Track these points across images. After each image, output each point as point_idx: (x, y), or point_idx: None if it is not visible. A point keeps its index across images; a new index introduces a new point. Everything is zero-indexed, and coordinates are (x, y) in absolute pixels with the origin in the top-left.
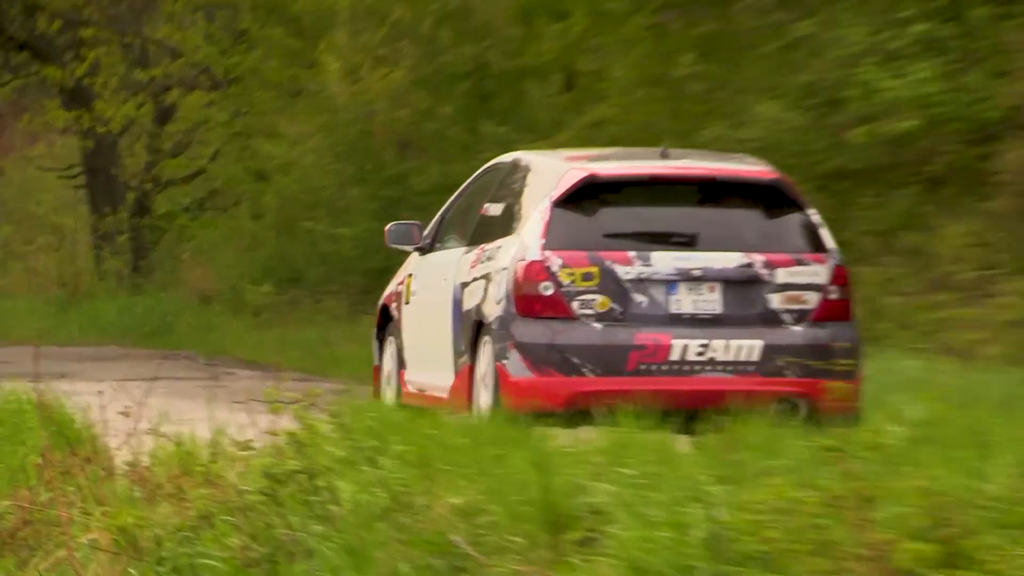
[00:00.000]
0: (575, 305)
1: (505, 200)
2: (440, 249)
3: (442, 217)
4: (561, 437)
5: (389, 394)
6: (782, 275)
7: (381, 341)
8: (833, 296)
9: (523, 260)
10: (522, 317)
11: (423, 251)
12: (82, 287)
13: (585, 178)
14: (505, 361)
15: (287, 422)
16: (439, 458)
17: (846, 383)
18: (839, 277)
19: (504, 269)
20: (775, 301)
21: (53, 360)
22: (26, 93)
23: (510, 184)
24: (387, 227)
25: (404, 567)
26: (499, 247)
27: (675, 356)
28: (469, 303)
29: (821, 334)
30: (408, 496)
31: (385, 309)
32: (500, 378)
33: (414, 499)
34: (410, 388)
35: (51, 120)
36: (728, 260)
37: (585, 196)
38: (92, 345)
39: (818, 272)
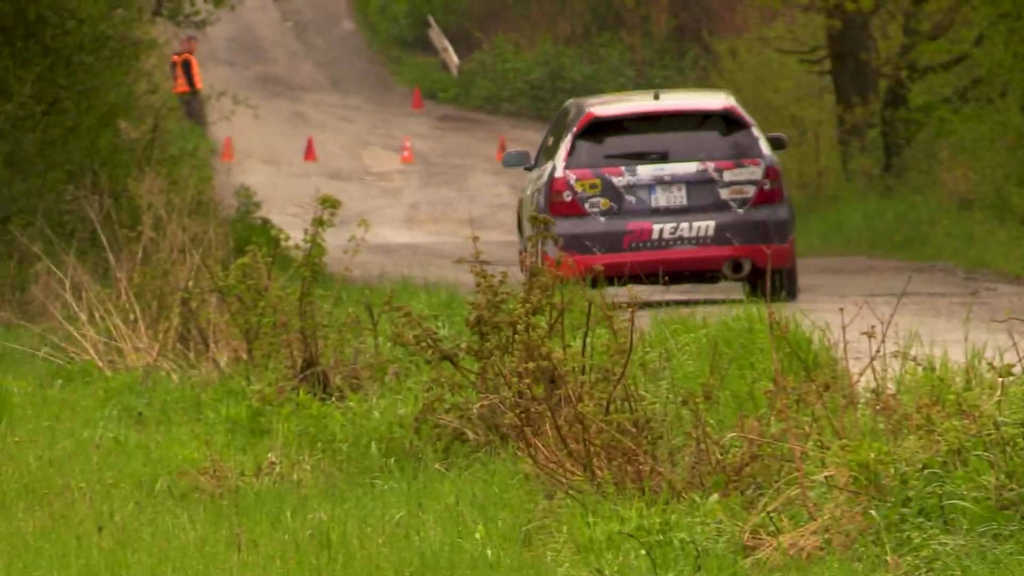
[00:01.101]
0: (586, 206)
1: (558, 134)
2: (533, 169)
3: (541, 145)
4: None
5: None
6: (728, 175)
7: None
8: (767, 188)
9: (553, 177)
10: (552, 215)
11: (529, 170)
12: (825, 189)
13: (592, 118)
14: (544, 245)
15: None
16: None
17: (780, 247)
18: (771, 174)
19: (544, 183)
20: (724, 194)
21: None
22: None
23: (563, 122)
24: (505, 153)
25: None
26: (545, 168)
27: (655, 236)
28: (529, 207)
29: (758, 215)
30: None
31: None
32: (542, 257)
33: None
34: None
35: None
36: (689, 168)
37: (593, 130)
38: (834, 255)
39: (754, 172)
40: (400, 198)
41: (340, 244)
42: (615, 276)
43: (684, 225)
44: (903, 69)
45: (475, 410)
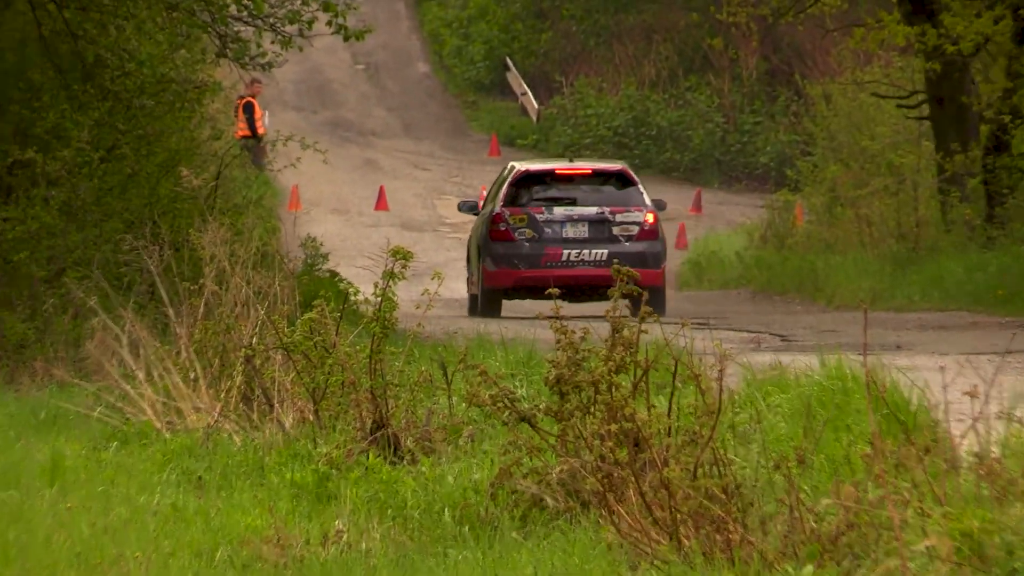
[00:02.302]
0: (516, 234)
1: (499, 185)
2: (480, 214)
3: (487, 196)
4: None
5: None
6: (620, 217)
7: None
8: (647, 228)
9: (494, 212)
10: (491, 240)
11: (476, 214)
12: (924, 240)
13: (521, 172)
14: (484, 261)
15: None
16: None
17: (655, 271)
18: (651, 218)
19: (487, 218)
20: (615, 230)
21: (886, 328)
22: (858, 3)
23: (503, 176)
24: (459, 202)
25: None
26: (488, 208)
27: (564, 258)
28: (475, 240)
29: (639, 246)
30: None
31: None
32: (483, 269)
33: None
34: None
35: (889, 36)
36: (591, 211)
37: (524, 181)
38: (934, 310)
39: (638, 216)
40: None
41: (413, 298)
42: (534, 287)
43: (585, 251)
44: (1006, 114)
45: (554, 475)
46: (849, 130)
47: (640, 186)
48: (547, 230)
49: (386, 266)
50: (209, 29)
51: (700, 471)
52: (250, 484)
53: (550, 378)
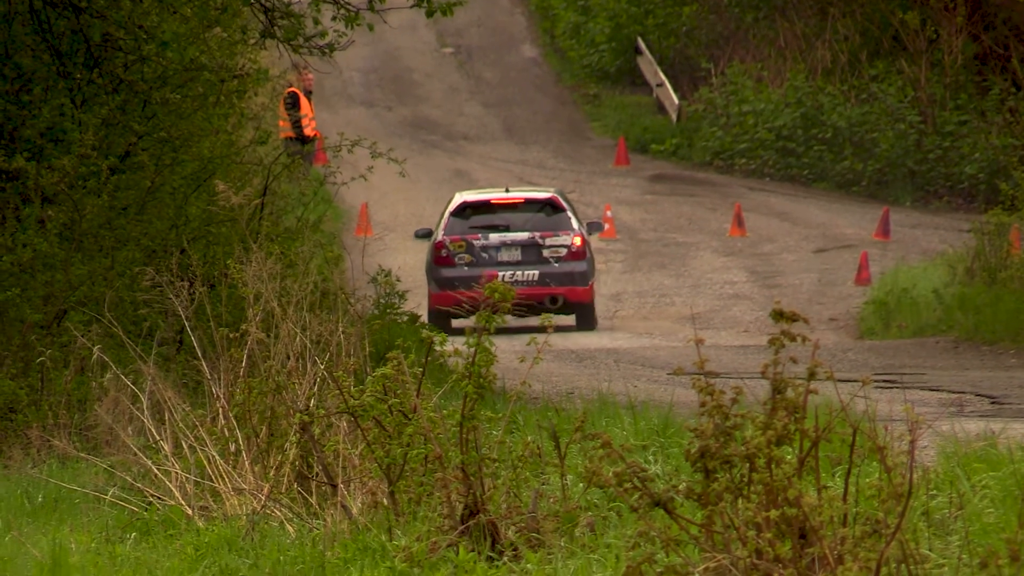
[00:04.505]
0: (456, 259)
1: (442, 214)
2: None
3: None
4: None
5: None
6: (549, 241)
7: None
8: (574, 250)
9: (436, 240)
10: (435, 265)
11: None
12: None
13: (462, 203)
14: (431, 284)
15: None
16: None
17: (582, 288)
18: (578, 241)
19: (431, 245)
20: (545, 253)
21: None
22: None
23: (447, 206)
24: (416, 229)
25: None
26: (434, 234)
27: (499, 279)
28: (426, 263)
29: (567, 267)
30: None
31: None
32: (430, 292)
33: None
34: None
35: None
36: (523, 235)
37: (463, 209)
38: None
39: (566, 239)
40: (598, 287)
41: (516, 350)
42: (471, 308)
43: (519, 272)
44: None
45: (698, 574)
46: None
47: (568, 211)
48: (484, 254)
49: (481, 308)
50: (252, 1)
51: (884, 570)
52: None
53: (692, 451)
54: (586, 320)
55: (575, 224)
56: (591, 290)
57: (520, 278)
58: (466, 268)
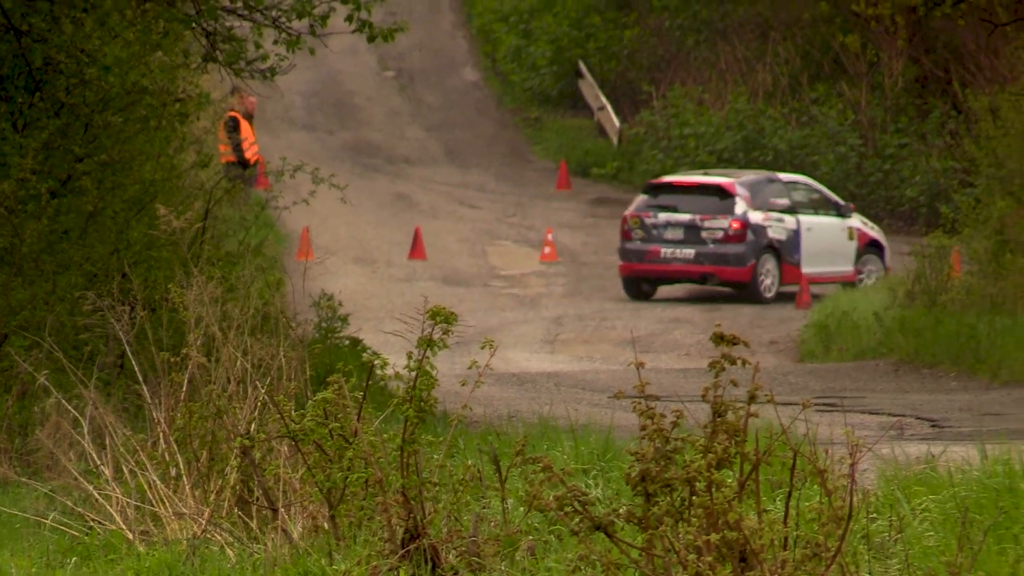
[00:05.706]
0: (633, 234)
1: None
2: None
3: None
4: None
5: None
6: (708, 223)
7: None
8: (731, 233)
9: (624, 214)
10: (621, 238)
11: None
12: None
13: (651, 182)
14: (619, 255)
15: None
16: None
17: (737, 269)
18: (737, 224)
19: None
20: (704, 234)
21: None
22: None
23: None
24: None
25: None
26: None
27: (663, 256)
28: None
29: (723, 248)
30: None
31: None
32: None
33: None
34: None
35: None
36: (685, 217)
37: (652, 188)
38: None
39: (724, 223)
40: (539, 310)
41: (457, 373)
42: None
43: (679, 251)
44: None
45: None
46: (1023, 154)
47: (736, 197)
48: (654, 232)
49: (423, 331)
50: (194, 25)
51: None
52: None
53: (633, 475)
54: (747, 296)
55: (739, 206)
56: (750, 270)
57: (678, 255)
58: (639, 243)
